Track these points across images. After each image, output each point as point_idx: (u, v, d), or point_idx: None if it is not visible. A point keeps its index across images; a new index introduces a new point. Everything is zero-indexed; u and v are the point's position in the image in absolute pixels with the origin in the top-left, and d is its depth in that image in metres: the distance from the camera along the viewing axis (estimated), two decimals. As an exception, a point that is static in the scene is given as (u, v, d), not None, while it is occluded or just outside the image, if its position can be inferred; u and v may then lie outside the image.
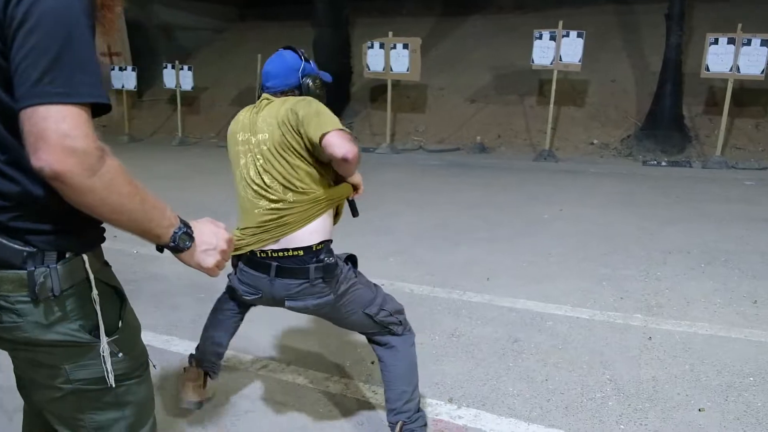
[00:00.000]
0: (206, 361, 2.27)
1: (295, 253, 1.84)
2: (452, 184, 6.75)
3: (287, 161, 1.81)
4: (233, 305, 2.26)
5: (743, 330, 2.98)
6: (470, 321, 3.12)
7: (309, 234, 1.84)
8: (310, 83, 1.97)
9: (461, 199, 6.00)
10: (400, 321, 2.04)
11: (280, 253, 1.84)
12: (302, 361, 2.73)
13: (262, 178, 1.85)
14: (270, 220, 1.83)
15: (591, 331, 3.00)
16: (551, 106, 8.39)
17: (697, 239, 4.48)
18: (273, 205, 1.83)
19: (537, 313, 3.20)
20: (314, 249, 1.84)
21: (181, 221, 1.12)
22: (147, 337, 2.95)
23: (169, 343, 2.93)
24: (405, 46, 8.84)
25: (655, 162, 8.00)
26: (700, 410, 2.31)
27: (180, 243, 1.10)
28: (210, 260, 1.16)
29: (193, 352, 2.31)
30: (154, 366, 1.32)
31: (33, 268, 1.02)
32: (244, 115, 1.98)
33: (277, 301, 1.91)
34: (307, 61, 2.00)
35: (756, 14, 8.90)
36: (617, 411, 2.31)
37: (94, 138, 0.95)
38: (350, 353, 2.81)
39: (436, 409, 2.34)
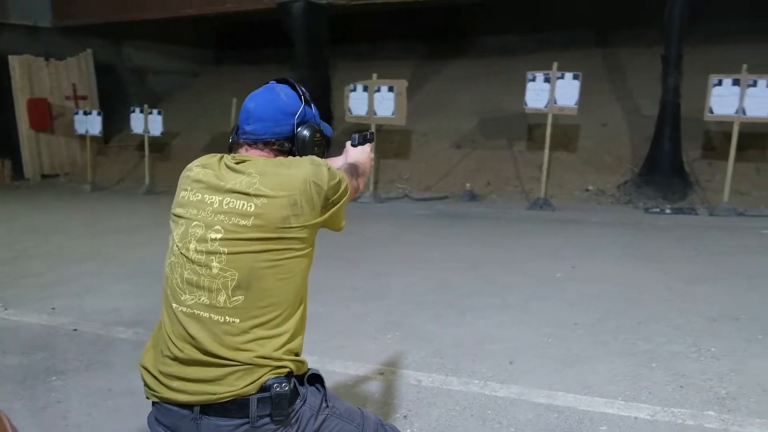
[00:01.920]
0: None
1: None
2: (445, 237, 6.11)
3: (269, 250, 1.20)
4: None
5: None
6: (500, 428, 2.41)
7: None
8: (307, 136, 1.36)
9: (458, 254, 5.34)
10: None
11: None
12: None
13: (209, 259, 1.22)
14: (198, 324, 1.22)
15: (657, 439, 2.33)
16: (546, 151, 7.89)
17: (738, 300, 3.87)
18: (208, 302, 1.22)
19: (584, 413, 2.50)
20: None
21: None
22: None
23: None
24: (390, 89, 8.34)
25: (658, 209, 7.49)
26: None
27: None
28: None
29: None
30: None
31: None
32: (200, 171, 1.32)
33: None
34: (308, 104, 1.40)
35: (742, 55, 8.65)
36: None
37: None
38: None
39: None
